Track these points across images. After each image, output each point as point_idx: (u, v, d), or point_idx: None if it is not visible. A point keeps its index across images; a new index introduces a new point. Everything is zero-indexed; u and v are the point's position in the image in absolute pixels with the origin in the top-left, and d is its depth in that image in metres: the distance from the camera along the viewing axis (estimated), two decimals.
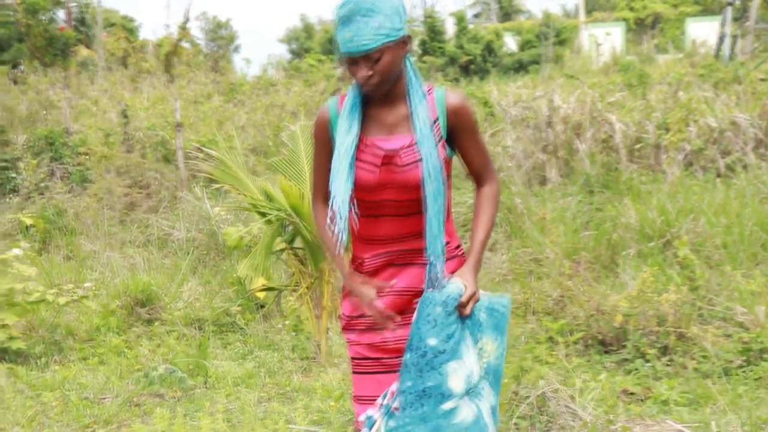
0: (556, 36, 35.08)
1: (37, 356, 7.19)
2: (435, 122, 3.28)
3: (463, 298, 3.17)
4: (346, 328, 3.51)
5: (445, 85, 3.38)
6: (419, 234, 3.30)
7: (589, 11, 46.50)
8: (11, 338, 7.11)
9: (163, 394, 6.28)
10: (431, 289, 3.21)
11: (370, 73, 3.15)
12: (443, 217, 3.26)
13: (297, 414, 5.61)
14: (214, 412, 5.63)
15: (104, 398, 6.22)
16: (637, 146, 12.84)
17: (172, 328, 7.82)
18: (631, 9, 44.64)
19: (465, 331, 3.23)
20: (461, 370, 3.16)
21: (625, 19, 41.41)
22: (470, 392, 3.21)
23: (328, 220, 3.27)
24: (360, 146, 3.27)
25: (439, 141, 3.27)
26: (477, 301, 3.23)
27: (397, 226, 3.33)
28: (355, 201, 3.31)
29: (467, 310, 3.19)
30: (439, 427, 3.14)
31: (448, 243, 3.33)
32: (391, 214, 3.32)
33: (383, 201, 3.29)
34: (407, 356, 3.16)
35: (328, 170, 3.31)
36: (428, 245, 3.23)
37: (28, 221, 8.79)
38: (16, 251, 7.57)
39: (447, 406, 3.14)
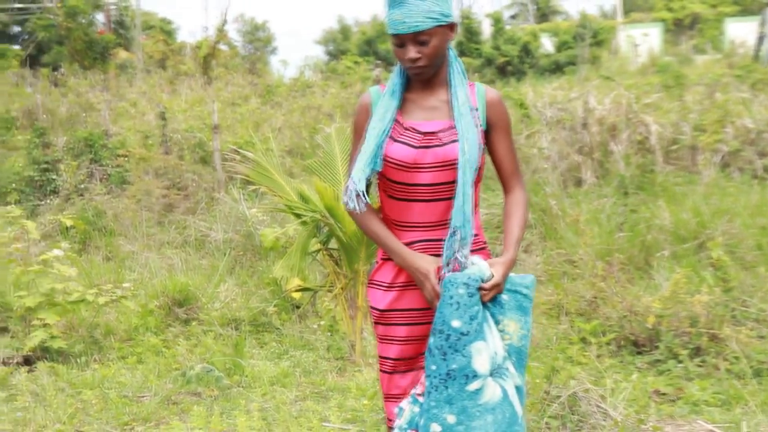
0: (593, 37, 34.96)
1: (77, 355, 7.30)
2: (475, 111, 3.37)
3: (487, 285, 3.22)
4: (379, 321, 3.54)
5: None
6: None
7: (626, 12, 46.28)
8: (52, 337, 7.24)
9: (201, 393, 6.37)
10: (448, 272, 3.27)
11: (419, 55, 3.24)
12: (473, 204, 3.33)
13: (331, 412, 5.69)
14: (250, 411, 5.72)
15: (143, 396, 6.32)
16: (673, 147, 12.82)
17: (209, 328, 7.91)
18: (670, 9, 44.38)
19: (486, 312, 3.26)
20: (485, 351, 3.19)
21: (663, 20, 41.16)
22: (495, 373, 3.22)
23: (343, 192, 3.38)
24: (399, 129, 3.35)
25: (478, 128, 3.35)
26: (499, 292, 3.27)
27: (430, 212, 3.37)
28: (385, 183, 3.41)
29: (487, 297, 3.23)
30: (465, 408, 3.17)
31: (476, 235, 3.40)
32: (424, 199, 3.36)
33: (418, 185, 3.34)
34: (431, 340, 3.20)
35: None
36: (458, 225, 3.28)
37: (69, 222, 8.93)
38: (56, 252, 7.69)
39: (472, 386, 3.17)
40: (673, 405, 5.61)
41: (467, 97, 3.35)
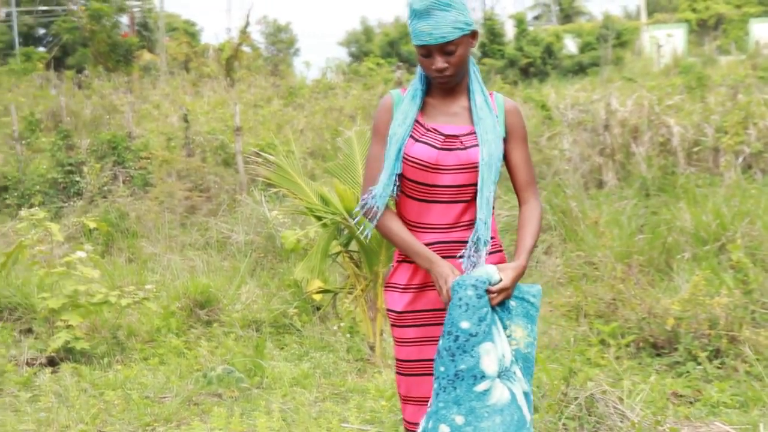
0: (616, 38, 34.88)
1: (100, 356, 7.38)
2: (496, 117, 3.45)
3: (495, 288, 3.24)
4: (396, 323, 3.57)
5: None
6: (469, 224, 3.41)
7: (650, 13, 46.09)
8: (76, 339, 7.33)
9: (221, 394, 6.43)
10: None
11: (446, 65, 3.32)
12: (492, 207, 3.38)
13: (350, 413, 5.73)
14: (270, 411, 5.77)
15: (164, 397, 6.39)
16: (695, 149, 12.81)
17: (231, 329, 7.98)
18: (694, 10, 44.14)
19: (495, 316, 3.29)
20: (493, 352, 3.21)
21: (687, 21, 40.95)
22: (503, 375, 3.25)
23: (364, 193, 3.45)
24: (420, 129, 3.42)
25: (498, 134, 3.43)
26: (507, 297, 3.29)
27: (448, 213, 3.42)
28: (405, 183, 3.46)
29: (495, 300, 3.25)
30: (473, 409, 3.19)
31: (492, 238, 3.44)
32: (443, 200, 3.42)
33: (438, 186, 3.40)
34: (440, 343, 3.23)
35: (383, 160, 3.45)
36: (476, 227, 3.35)
37: (92, 225, 9.02)
38: (80, 254, 7.78)
39: (480, 387, 3.19)
40: (691, 407, 5.64)
41: (485, 102, 3.43)
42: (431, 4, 3.26)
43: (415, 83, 3.48)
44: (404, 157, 3.39)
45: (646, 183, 11.96)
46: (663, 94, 14.67)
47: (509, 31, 37.58)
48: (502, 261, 3.48)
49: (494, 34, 35.93)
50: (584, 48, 36.30)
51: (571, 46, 37.94)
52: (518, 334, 3.34)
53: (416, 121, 3.43)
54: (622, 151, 13.09)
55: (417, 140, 3.39)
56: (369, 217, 3.46)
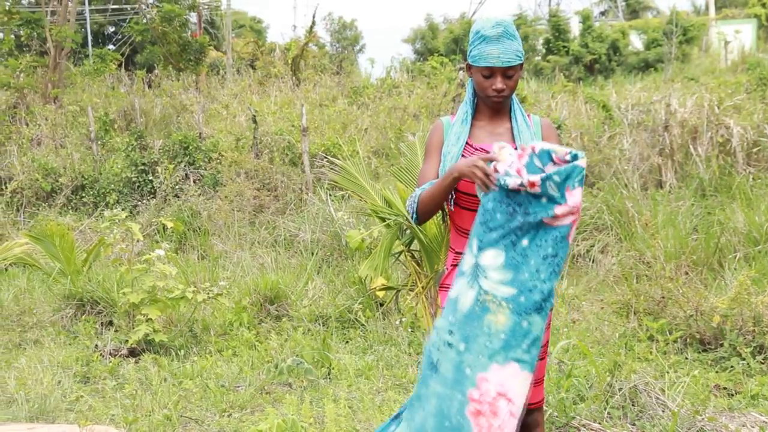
0: (682, 34, 34.54)
1: (177, 348, 7.87)
2: (532, 133, 3.93)
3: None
4: None
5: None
6: None
7: (719, 8, 45.40)
8: (154, 331, 7.83)
9: (291, 384, 6.87)
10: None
11: (504, 87, 3.80)
12: None
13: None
14: (337, 399, 6.19)
15: (238, 386, 6.84)
16: (755, 150, 12.93)
17: (299, 323, 8.41)
18: (764, 5, 43.45)
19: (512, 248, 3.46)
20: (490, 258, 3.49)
21: (756, 16, 40.32)
22: (473, 281, 3.51)
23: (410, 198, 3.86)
24: (470, 149, 3.88)
25: None
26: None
27: None
28: (459, 196, 3.86)
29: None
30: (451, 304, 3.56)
31: None
32: None
33: None
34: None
35: (435, 175, 3.89)
36: None
37: (169, 224, 9.51)
38: (159, 252, 8.26)
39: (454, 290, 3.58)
40: (731, 399, 5.95)
41: (524, 121, 3.91)
42: (502, 33, 3.75)
43: (464, 107, 3.93)
44: None
45: (703, 183, 12.16)
46: (725, 93, 14.73)
47: (575, 27, 37.44)
48: None
49: (559, 30, 35.90)
50: (650, 44, 36.00)
51: (636, 42, 37.62)
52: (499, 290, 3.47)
53: (466, 142, 3.85)
54: (681, 152, 13.26)
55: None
56: (411, 214, 3.86)
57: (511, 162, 3.41)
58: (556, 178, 3.29)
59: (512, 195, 3.39)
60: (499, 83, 3.77)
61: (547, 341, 3.88)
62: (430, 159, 3.94)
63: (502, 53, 3.73)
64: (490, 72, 3.77)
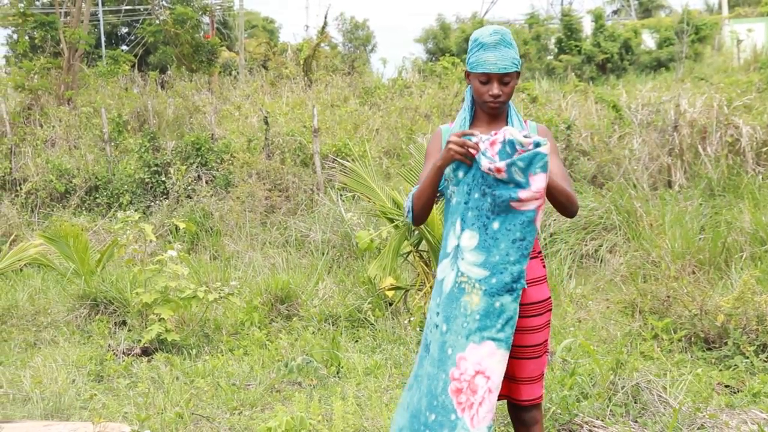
0: (695, 33, 34.50)
1: (189, 347, 7.99)
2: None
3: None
4: None
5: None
6: None
7: (732, 6, 45.29)
8: (167, 331, 7.95)
9: (301, 382, 6.98)
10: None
11: (500, 92, 3.91)
12: None
13: None
14: (345, 397, 6.29)
15: (249, 385, 6.95)
16: (765, 149, 12.96)
17: (309, 323, 8.52)
18: None
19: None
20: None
21: None
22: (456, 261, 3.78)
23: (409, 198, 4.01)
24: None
25: None
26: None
27: None
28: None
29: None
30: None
31: None
32: None
33: None
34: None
35: None
36: None
37: (181, 225, 9.63)
38: (171, 253, 8.38)
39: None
40: (733, 396, 6.04)
41: (521, 126, 4.02)
42: (499, 40, 3.88)
43: (463, 114, 4.05)
44: None
45: (712, 183, 12.21)
46: (735, 93, 14.77)
47: (587, 26, 37.45)
48: (540, 265, 3.97)
49: (571, 29, 35.93)
50: (662, 43, 35.98)
51: (649, 41, 37.59)
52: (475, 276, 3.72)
53: None
54: (690, 151, 13.32)
55: None
56: (407, 213, 4.03)
57: (487, 145, 3.65)
58: (520, 164, 3.51)
59: (484, 176, 3.64)
60: (495, 89, 3.88)
61: (546, 339, 3.97)
62: (428, 164, 4.05)
63: (499, 60, 3.84)
64: (488, 78, 3.88)
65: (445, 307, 3.76)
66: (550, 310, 3.99)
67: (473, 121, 4.06)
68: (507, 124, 4.01)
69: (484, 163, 3.59)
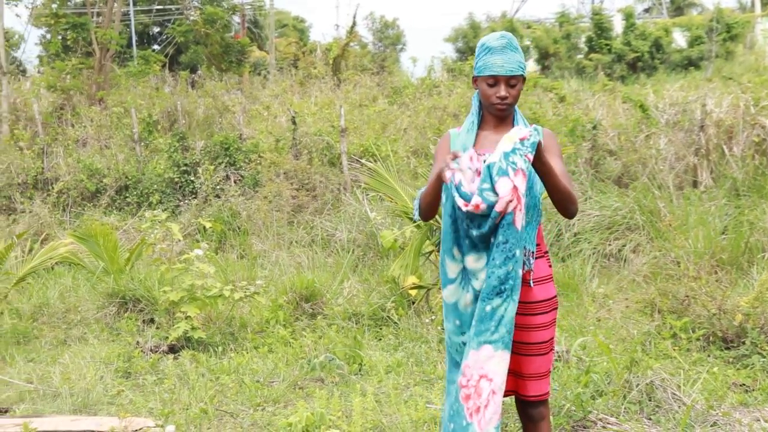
0: (726, 31, 34.30)
1: (215, 345, 8.14)
2: None
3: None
4: None
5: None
6: None
7: (765, 4, 44.95)
8: (193, 328, 8.11)
9: (323, 379, 7.11)
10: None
11: (507, 95, 4.03)
12: (539, 209, 4.07)
13: (435, 396, 6.36)
14: (365, 394, 6.41)
15: (273, 381, 7.10)
16: None
17: (333, 321, 8.65)
18: None
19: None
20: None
21: None
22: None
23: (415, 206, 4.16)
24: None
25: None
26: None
27: None
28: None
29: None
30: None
31: (538, 245, 4.08)
32: None
33: None
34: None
35: None
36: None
37: (207, 224, 9.79)
38: (197, 252, 8.54)
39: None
40: (748, 395, 6.11)
41: None
42: (506, 44, 4.01)
43: (470, 118, 4.16)
44: None
45: (737, 183, 12.22)
46: (762, 93, 14.72)
47: (617, 25, 37.34)
48: (546, 265, 4.09)
49: (602, 28, 35.86)
50: (693, 42, 35.80)
51: (680, 39, 37.40)
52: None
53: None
54: (716, 151, 13.32)
55: None
56: (416, 211, 4.16)
57: (468, 174, 3.78)
58: (485, 185, 3.66)
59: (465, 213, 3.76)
60: (502, 91, 4.00)
61: (552, 337, 4.09)
62: (435, 167, 4.16)
63: (505, 62, 3.97)
64: (495, 80, 4.00)
65: (468, 325, 3.90)
66: (556, 308, 4.11)
67: (481, 124, 4.16)
68: (513, 128, 4.12)
69: (460, 203, 3.72)
